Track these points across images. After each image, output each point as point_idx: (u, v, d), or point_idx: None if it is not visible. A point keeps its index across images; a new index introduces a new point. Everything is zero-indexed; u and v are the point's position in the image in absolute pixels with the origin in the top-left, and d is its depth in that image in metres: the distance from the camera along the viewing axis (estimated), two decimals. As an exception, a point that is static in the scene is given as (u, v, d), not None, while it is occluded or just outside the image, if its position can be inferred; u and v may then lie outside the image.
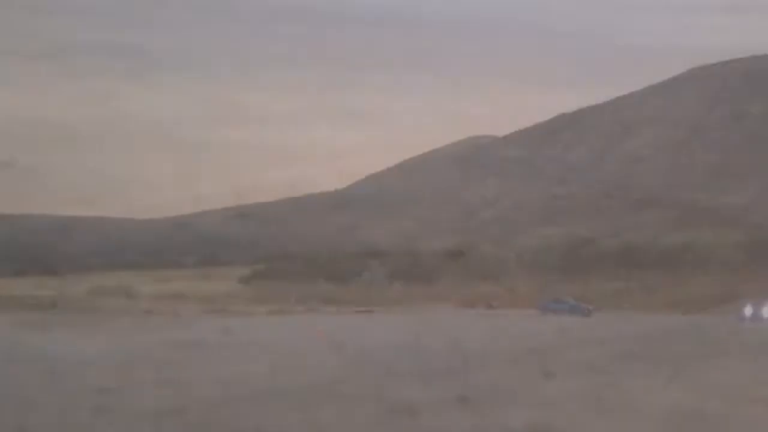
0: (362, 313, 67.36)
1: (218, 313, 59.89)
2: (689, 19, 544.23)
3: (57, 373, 17.49)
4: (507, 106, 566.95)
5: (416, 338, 33.01)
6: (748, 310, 52.35)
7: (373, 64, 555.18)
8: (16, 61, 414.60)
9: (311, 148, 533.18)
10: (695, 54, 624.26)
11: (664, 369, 20.55)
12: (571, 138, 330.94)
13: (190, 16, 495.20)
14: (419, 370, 19.45)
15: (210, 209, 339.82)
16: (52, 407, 12.90)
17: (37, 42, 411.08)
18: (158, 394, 14.65)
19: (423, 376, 17.66)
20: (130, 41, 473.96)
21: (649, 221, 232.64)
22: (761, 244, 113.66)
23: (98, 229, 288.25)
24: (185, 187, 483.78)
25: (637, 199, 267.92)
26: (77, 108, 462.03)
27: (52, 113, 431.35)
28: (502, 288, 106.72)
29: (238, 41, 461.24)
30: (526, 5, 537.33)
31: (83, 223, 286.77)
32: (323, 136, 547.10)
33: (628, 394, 15.45)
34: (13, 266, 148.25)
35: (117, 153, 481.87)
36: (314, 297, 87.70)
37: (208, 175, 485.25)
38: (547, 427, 11.35)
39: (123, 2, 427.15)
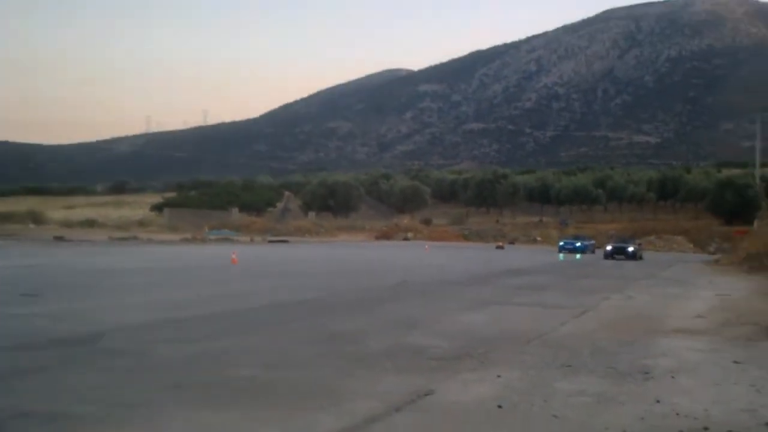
0: (277, 242, 66.90)
1: (130, 241, 58.82)
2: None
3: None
4: (423, 42, 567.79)
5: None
6: (608, 247, 53.17)
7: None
8: None
9: (222, 76, 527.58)
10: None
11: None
12: (485, 74, 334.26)
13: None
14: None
15: (121, 135, 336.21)
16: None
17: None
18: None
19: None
20: None
21: (563, 158, 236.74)
22: (671, 182, 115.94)
23: (5, 154, 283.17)
24: (95, 113, 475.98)
25: (550, 136, 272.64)
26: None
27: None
28: (418, 220, 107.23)
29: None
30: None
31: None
32: (238, 65, 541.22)
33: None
34: None
35: (28, 76, 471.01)
36: (228, 225, 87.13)
37: (119, 101, 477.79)
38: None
39: None
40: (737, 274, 36.83)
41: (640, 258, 53.14)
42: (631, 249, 53.66)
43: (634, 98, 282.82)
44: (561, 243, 65.89)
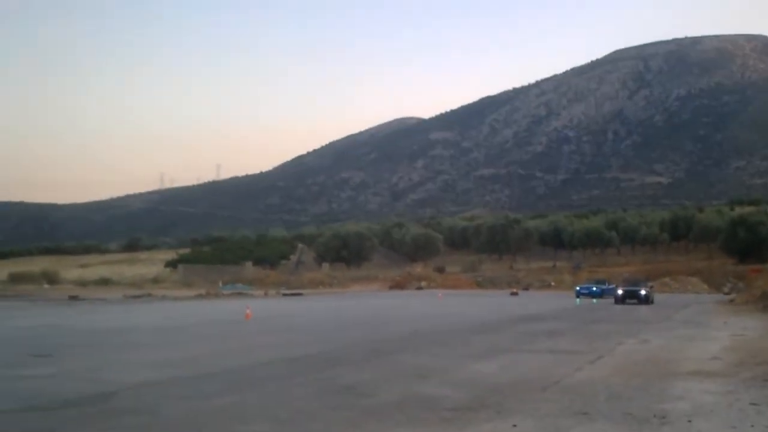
0: (291, 296, 66.81)
1: (144, 298, 58.91)
2: (610, 2, 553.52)
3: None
4: (432, 89, 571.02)
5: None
6: (619, 291, 51.41)
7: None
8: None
9: (234, 131, 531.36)
10: (617, 36, 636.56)
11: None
12: (496, 119, 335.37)
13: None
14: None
15: (135, 192, 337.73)
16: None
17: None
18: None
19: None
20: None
21: (575, 201, 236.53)
22: (683, 222, 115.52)
23: (20, 214, 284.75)
24: (109, 171, 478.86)
25: (561, 179, 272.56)
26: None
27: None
28: (431, 268, 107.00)
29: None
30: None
31: (2, 208, 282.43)
32: (250, 119, 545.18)
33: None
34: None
35: (37, 138, 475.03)
36: (242, 280, 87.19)
37: (132, 158, 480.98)
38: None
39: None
40: (752, 314, 36.60)
41: (652, 302, 50.09)
42: (643, 292, 50.90)
43: (644, 138, 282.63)
44: (578, 288, 65.26)
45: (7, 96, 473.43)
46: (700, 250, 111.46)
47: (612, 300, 53.28)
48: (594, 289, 63.21)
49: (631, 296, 50.73)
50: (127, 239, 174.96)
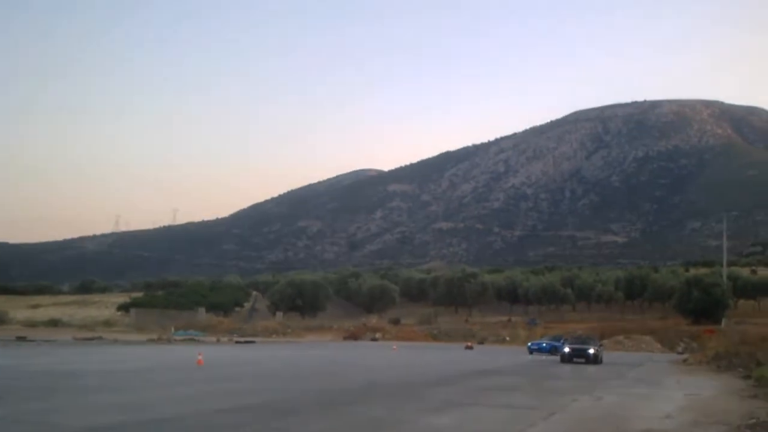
0: (243, 343, 66.22)
1: (95, 341, 58.15)
2: (571, 62, 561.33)
3: None
4: (393, 142, 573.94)
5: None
6: (566, 348, 47.94)
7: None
8: None
9: (192, 176, 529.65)
10: (577, 97, 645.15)
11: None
12: (455, 174, 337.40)
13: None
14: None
15: (90, 234, 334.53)
16: None
17: None
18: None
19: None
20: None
21: (531, 257, 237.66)
22: (638, 281, 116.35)
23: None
24: (64, 211, 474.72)
25: (518, 236, 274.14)
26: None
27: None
28: (387, 320, 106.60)
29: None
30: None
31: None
32: (209, 165, 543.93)
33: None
34: None
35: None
36: (195, 326, 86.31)
37: (89, 199, 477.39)
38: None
39: None
40: (706, 374, 36.76)
41: (601, 362, 46.41)
42: (591, 351, 46.51)
43: (601, 198, 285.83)
44: (529, 344, 64.98)
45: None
46: (654, 310, 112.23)
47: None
48: (544, 345, 62.66)
49: (578, 355, 46.67)
50: (80, 281, 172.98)
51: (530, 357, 54.33)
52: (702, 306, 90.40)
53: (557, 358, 51.32)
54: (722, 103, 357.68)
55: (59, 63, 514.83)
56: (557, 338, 65.74)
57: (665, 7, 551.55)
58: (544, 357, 55.02)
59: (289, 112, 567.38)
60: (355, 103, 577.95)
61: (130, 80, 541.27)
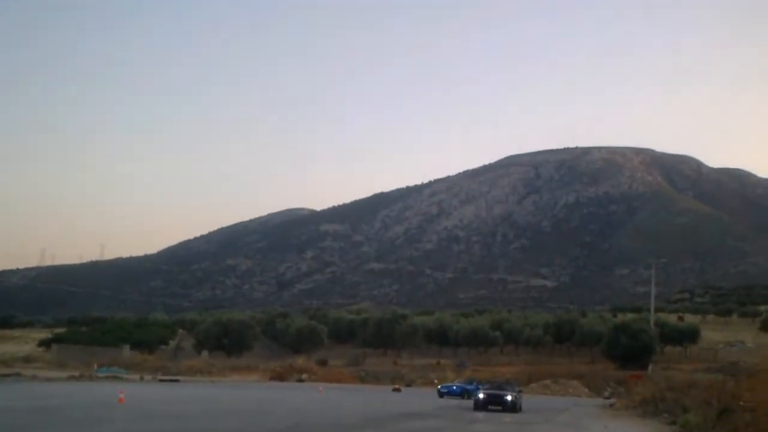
0: (167, 382, 65.04)
1: (12, 377, 56.53)
2: (506, 108, 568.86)
3: None
4: (326, 182, 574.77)
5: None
6: (480, 395, 42.93)
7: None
8: None
9: (120, 211, 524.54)
10: (511, 143, 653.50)
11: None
12: (388, 216, 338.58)
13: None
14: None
15: (13, 268, 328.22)
16: None
17: None
18: None
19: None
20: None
21: (462, 299, 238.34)
22: (567, 326, 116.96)
23: None
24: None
25: (450, 278, 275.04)
26: None
27: None
28: (314, 361, 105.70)
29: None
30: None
31: None
32: (138, 199, 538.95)
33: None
34: None
35: None
36: (118, 363, 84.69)
37: (13, 232, 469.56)
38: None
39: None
40: (632, 419, 36.84)
41: (519, 410, 41.53)
42: (508, 398, 41.58)
43: (532, 242, 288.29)
44: (440, 387, 63.47)
45: None
46: (582, 354, 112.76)
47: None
48: (454, 388, 61.20)
49: (494, 401, 41.72)
50: (0, 315, 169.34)
51: (441, 401, 52.26)
52: (629, 351, 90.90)
53: (470, 402, 47.66)
54: (653, 151, 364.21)
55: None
56: (470, 381, 64.69)
57: (599, 56, 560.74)
58: (455, 402, 52.29)
59: (222, 149, 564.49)
60: (288, 141, 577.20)
61: (59, 106, 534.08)
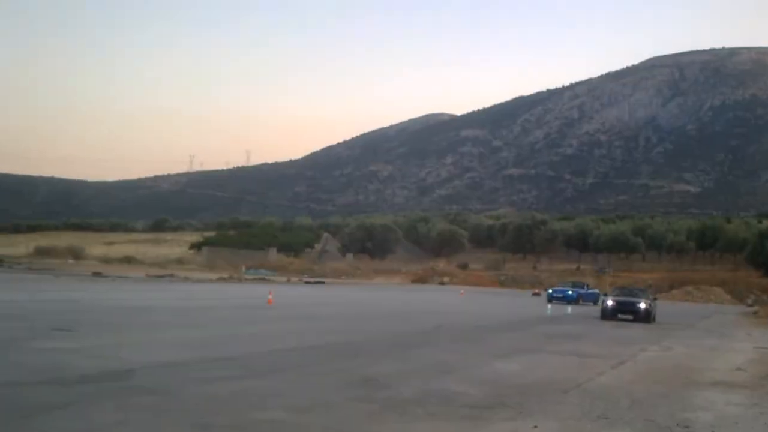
0: (313, 284, 66.84)
1: (166, 278, 59.09)
2: (649, 8, 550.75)
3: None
4: (465, 86, 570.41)
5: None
6: (608, 302, 37.83)
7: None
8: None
9: (265, 118, 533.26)
10: (655, 44, 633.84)
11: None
12: (527, 120, 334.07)
13: None
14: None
15: (164, 174, 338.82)
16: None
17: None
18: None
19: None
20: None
21: (602, 205, 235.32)
22: (710, 232, 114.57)
23: (50, 189, 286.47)
24: (139, 151, 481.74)
25: (590, 183, 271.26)
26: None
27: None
28: (455, 264, 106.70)
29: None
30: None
31: (33, 183, 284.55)
32: (282, 107, 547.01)
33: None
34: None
35: (68, 115, 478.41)
36: (266, 265, 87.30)
37: (161, 141, 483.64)
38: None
39: None
40: (776, 327, 36.25)
41: (653, 320, 36.50)
42: (641, 305, 36.45)
43: (675, 147, 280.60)
44: (550, 291, 58.18)
45: (43, 73, 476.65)
46: (726, 261, 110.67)
47: (591, 310, 44.94)
48: (570, 293, 55.48)
49: (624, 309, 36.88)
50: (153, 220, 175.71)
51: (549, 308, 46.74)
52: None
53: (587, 309, 46.46)
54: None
55: (134, 4, 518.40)
56: (579, 285, 60.01)
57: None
58: (570, 309, 47.43)
59: (361, 57, 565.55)
60: (429, 48, 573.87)
61: (205, 22, 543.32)
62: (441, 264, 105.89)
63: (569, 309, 46.70)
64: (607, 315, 36.54)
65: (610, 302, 37.48)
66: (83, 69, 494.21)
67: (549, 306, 47.89)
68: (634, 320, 35.53)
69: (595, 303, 52.88)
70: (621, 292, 41.11)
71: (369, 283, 78.20)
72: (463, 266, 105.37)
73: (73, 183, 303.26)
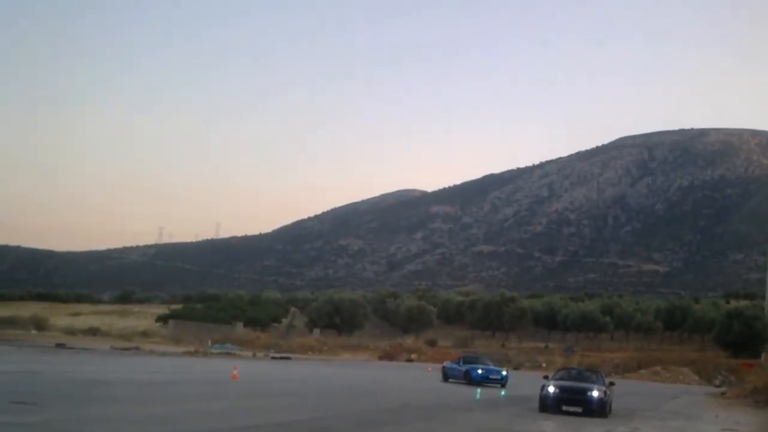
0: (279, 359, 66.43)
1: (131, 351, 58.61)
2: (619, 88, 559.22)
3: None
4: (436, 163, 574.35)
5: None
6: (550, 388, 28.12)
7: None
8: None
9: (236, 191, 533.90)
10: (623, 123, 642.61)
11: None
12: (497, 197, 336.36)
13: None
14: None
15: (132, 245, 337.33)
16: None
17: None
18: None
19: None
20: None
21: (571, 283, 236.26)
22: (679, 312, 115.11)
23: (16, 258, 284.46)
24: (108, 221, 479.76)
25: (559, 261, 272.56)
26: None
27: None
28: (423, 341, 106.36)
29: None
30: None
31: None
32: (253, 180, 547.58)
33: None
34: None
35: (38, 184, 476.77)
36: (232, 340, 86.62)
37: (130, 212, 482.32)
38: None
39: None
40: (744, 408, 36.34)
41: (609, 412, 27.88)
42: (594, 393, 27.64)
43: (644, 226, 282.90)
44: (446, 364, 49.88)
45: (6, 140, 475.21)
46: (693, 341, 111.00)
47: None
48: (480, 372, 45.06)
49: (571, 399, 27.75)
50: (120, 291, 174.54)
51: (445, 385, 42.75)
52: (742, 339, 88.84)
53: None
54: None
55: (105, 69, 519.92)
56: (470, 359, 50.80)
57: (715, 35, 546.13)
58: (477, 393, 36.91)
59: (334, 132, 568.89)
60: (399, 123, 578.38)
61: (178, 92, 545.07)
62: (409, 340, 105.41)
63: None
64: (549, 406, 27.86)
65: (551, 389, 28.30)
66: (52, 139, 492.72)
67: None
68: (583, 414, 26.79)
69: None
70: (568, 375, 31.88)
71: (336, 359, 77.78)
72: (432, 343, 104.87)
73: (40, 252, 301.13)
